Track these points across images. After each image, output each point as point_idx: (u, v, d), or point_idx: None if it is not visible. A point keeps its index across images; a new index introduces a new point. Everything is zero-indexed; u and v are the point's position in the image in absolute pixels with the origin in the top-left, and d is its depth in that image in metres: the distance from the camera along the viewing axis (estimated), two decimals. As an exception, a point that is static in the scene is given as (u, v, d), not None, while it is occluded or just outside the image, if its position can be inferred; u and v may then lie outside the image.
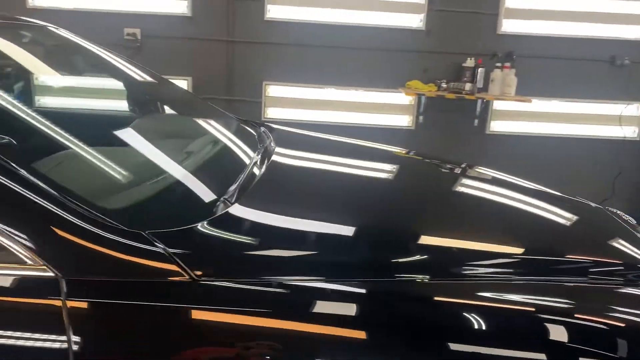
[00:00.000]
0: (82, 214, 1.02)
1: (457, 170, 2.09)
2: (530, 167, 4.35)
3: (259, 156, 1.73)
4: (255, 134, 2.05)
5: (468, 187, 1.93)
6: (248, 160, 1.68)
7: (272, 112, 4.54)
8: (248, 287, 1.04)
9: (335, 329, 1.01)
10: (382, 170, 1.99)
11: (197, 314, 1.00)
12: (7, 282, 0.96)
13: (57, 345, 0.94)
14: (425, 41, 4.34)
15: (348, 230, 1.34)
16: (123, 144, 1.54)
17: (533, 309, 1.13)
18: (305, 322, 1.02)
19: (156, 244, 1.03)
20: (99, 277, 0.98)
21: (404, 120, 4.58)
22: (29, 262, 0.96)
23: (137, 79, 2.11)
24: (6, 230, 0.96)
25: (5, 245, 0.96)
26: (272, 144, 1.90)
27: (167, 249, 1.03)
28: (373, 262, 1.22)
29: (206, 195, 1.43)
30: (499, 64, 4.21)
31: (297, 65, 4.41)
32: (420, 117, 4.51)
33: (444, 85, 4.26)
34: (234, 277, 1.05)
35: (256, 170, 1.58)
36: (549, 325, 1.08)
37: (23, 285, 0.97)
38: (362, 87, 4.47)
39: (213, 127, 2.03)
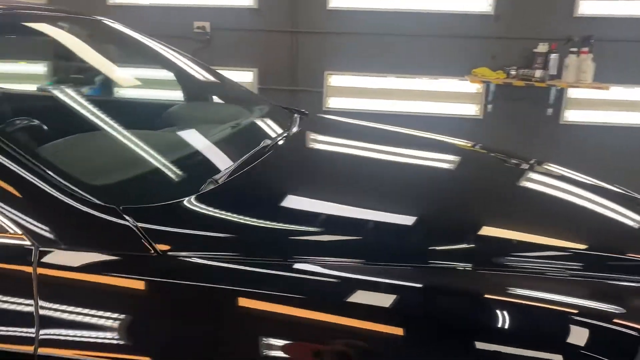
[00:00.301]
0: (62, 188, 1.08)
1: (524, 166, 1.95)
2: (609, 160, 4.09)
3: (272, 140, 1.68)
4: (287, 119, 1.99)
5: (530, 181, 1.81)
6: (257, 143, 1.63)
7: (333, 102, 4.56)
8: (214, 263, 1.05)
9: (297, 310, 1.00)
10: (413, 157, 1.88)
11: (160, 288, 1.02)
12: None
13: (21, 308, 1.00)
14: (493, 26, 4.17)
15: (335, 210, 1.30)
16: (128, 125, 1.57)
17: (576, 310, 1.06)
18: (268, 302, 0.99)
19: (126, 218, 1.06)
20: (70, 247, 1.04)
21: (472, 109, 4.43)
22: (10, 230, 1.04)
23: (173, 62, 2.12)
24: None
25: None
26: (294, 129, 1.84)
27: (137, 223, 1.06)
28: (346, 243, 1.19)
29: (195, 173, 1.41)
30: (574, 49, 3.96)
31: (359, 54, 4.39)
32: (489, 106, 4.35)
33: (512, 72, 4.08)
34: (200, 253, 1.05)
35: (261, 153, 1.54)
36: (596, 326, 1.03)
37: (1, 252, 1.04)
38: (427, 75, 4.37)
39: (235, 113, 1.97)
